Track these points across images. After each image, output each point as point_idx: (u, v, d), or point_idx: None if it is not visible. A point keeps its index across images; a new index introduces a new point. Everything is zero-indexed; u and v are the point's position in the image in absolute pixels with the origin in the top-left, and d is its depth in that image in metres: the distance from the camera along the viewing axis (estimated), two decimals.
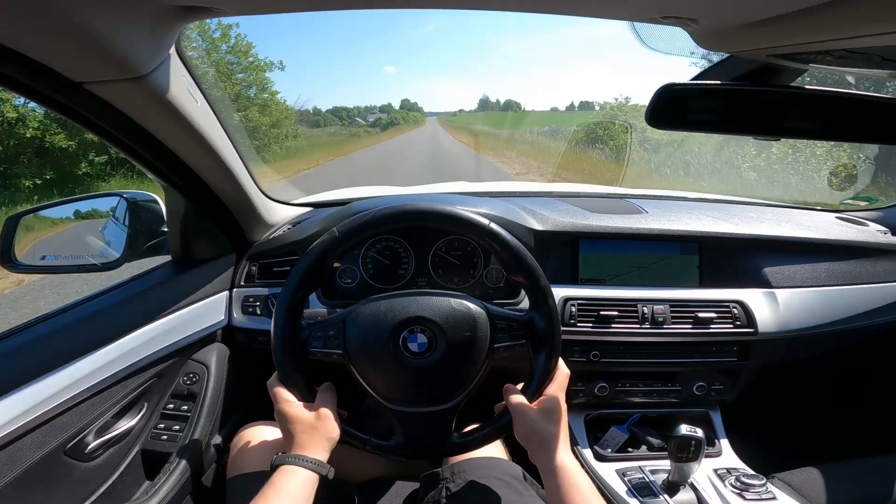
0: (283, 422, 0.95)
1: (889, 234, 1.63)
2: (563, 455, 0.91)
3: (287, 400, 0.96)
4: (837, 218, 1.74)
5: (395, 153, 23.43)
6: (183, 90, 0.97)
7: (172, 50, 0.91)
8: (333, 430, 0.95)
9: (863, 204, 1.88)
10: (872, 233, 1.62)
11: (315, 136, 32.50)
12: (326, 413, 0.95)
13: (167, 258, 1.36)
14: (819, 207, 1.90)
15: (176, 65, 0.93)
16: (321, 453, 0.92)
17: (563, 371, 1.03)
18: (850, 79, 1.32)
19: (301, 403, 0.97)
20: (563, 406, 0.98)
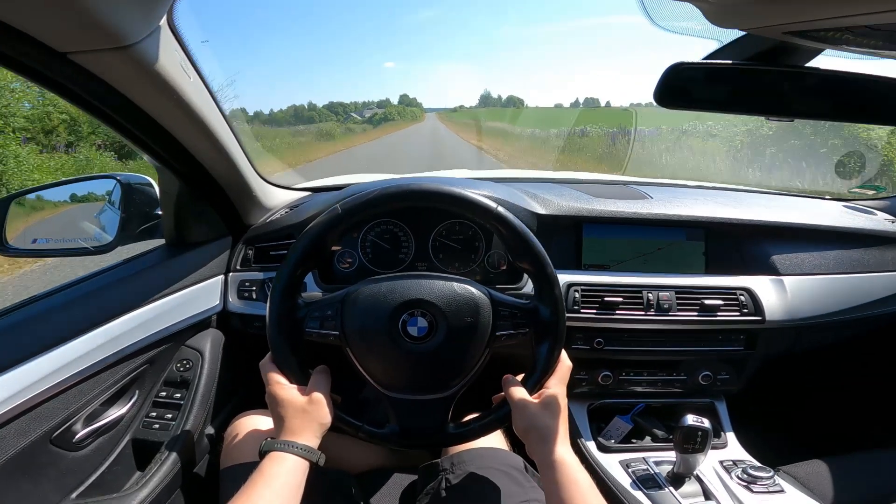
0: (274, 405, 0.93)
1: None
2: (563, 450, 0.88)
3: (279, 382, 0.94)
4: (845, 206, 1.72)
5: (385, 159, 19.74)
6: (174, 64, 0.94)
7: (164, 22, 0.88)
8: (326, 415, 0.92)
9: (870, 193, 1.86)
10: (880, 221, 1.60)
11: (270, 136, 26.72)
12: (319, 397, 0.93)
13: (161, 242, 1.34)
14: (827, 196, 1.88)
15: (167, 37, 0.90)
16: (312, 439, 0.90)
17: (565, 363, 1.00)
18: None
19: (294, 386, 0.94)
20: (564, 400, 0.96)
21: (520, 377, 1.01)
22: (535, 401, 0.95)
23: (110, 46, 0.80)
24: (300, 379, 0.95)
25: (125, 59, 0.84)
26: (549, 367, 0.98)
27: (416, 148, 23.88)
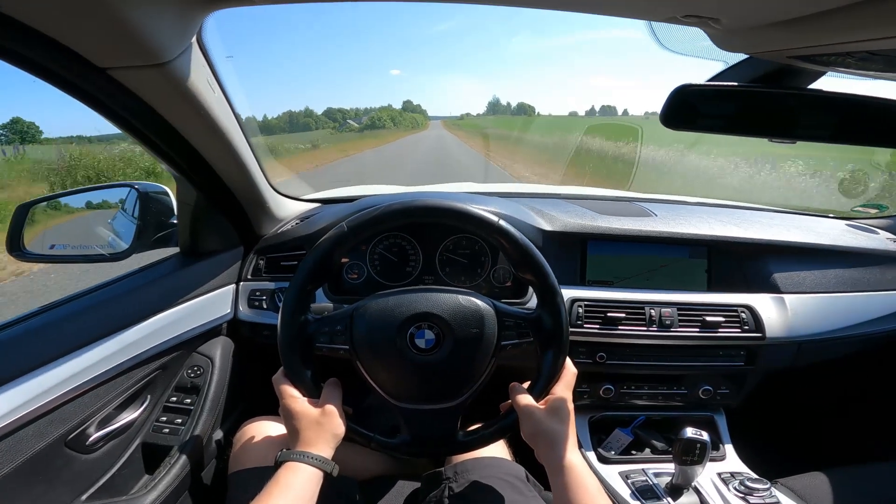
0: (289, 418, 0.95)
1: None
2: (571, 454, 0.90)
3: (292, 396, 0.96)
4: (847, 225, 1.74)
5: None
6: (202, 80, 0.97)
7: (194, 39, 0.91)
8: (339, 426, 0.95)
9: (873, 211, 1.88)
10: (882, 241, 1.62)
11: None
12: (332, 410, 0.95)
13: (175, 250, 1.36)
14: (831, 215, 1.89)
15: (197, 54, 0.94)
16: (326, 450, 0.92)
17: (570, 370, 1.02)
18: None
19: (306, 399, 0.96)
20: (571, 405, 0.97)
21: (526, 384, 1.02)
22: (542, 407, 0.97)
23: (148, 63, 0.83)
24: (312, 392, 0.98)
25: (160, 76, 0.87)
26: (554, 374, 1.00)
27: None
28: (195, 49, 0.93)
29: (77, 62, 0.79)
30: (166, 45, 0.82)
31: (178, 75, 0.90)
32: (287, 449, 0.92)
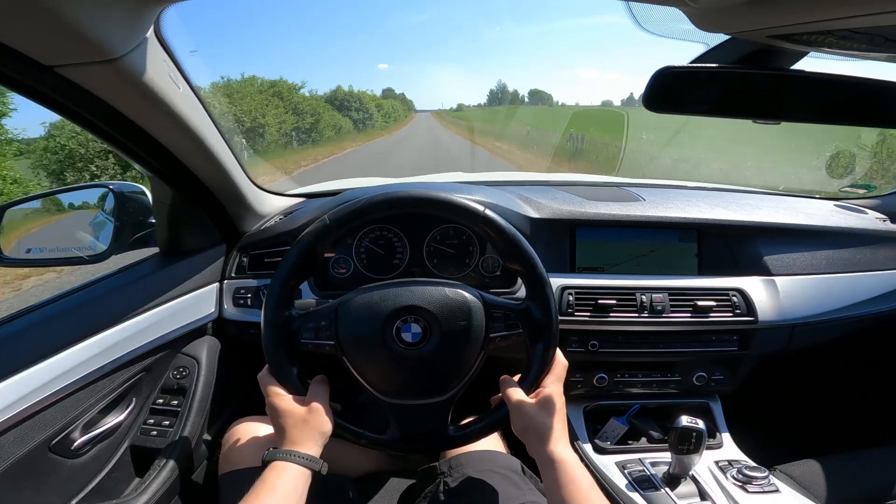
0: (275, 416, 0.93)
1: (888, 222, 1.62)
2: (562, 449, 0.89)
3: (278, 393, 0.94)
4: (836, 206, 1.73)
5: None
6: (162, 75, 0.93)
7: (151, 33, 0.87)
8: (325, 423, 0.93)
9: (861, 191, 1.87)
10: (871, 220, 1.61)
11: None
12: (318, 407, 0.93)
13: (155, 250, 1.34)
14: (818, 196, 1.88)
15: (154, 48, 0.90)
16: (313, 448, 0.90)
17: (560, 362, 1.01)
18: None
19: (292, 397, 0.95)
20: (561, 398, 0.96)
21: (516, 378, 1.01)
22: (532, 401, 0.95)
23: (96, 60, 0.79)
24: (298, 389, 0.96)
25: (112, 72, 0.83)
26: (544, 367, 0.99)
27: None
28: (153, 43, 0.89)
29: (19, 61, 0.75)
30: (116, 39, 0.78)
31: (133, 71, 0.86)
32: (274, 448, 0.90)
